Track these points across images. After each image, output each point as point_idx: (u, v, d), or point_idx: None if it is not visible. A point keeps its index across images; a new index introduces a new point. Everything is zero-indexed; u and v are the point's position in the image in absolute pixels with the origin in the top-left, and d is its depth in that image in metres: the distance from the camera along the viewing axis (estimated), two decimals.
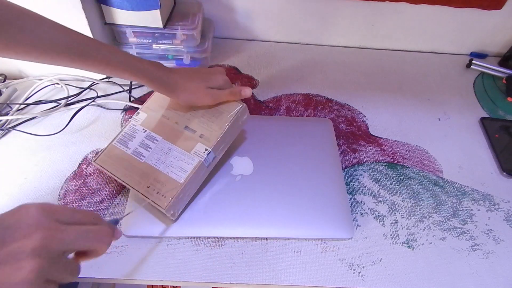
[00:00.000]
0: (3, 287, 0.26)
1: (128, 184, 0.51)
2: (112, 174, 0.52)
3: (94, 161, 0.54)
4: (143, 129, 0.55)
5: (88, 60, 0.46)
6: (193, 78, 0.53)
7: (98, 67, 0.47)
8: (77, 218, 0.31)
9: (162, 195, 0.48)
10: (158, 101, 0.58)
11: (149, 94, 0.73)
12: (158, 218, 0.53)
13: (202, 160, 0.51)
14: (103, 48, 0.46)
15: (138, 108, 0.69)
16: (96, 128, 0.66)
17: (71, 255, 0.33)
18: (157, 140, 0.54)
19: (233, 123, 0.54)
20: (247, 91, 0.55)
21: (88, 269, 0.49)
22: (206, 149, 0.52)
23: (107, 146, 0.55)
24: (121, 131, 0.56)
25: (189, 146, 0.52)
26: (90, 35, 0.66)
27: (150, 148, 0.53)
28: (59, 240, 0.28)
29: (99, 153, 0.54)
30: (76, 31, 0.45)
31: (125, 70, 0.48)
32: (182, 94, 0.52)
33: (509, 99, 0.79)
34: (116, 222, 0.41)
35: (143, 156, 0.53)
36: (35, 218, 0.28)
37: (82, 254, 0.33)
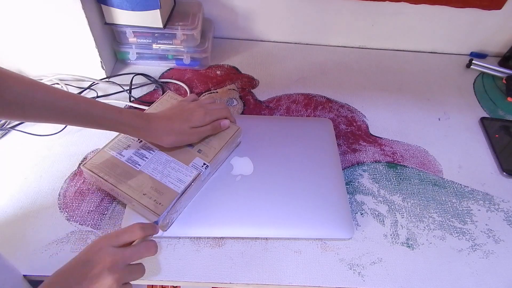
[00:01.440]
0: None
1: (121, 190, 0.50)
2: (104, 180, 0.51)
3: (83, 165, 0.52)
4: (138, 139, 0.55)
5: (66, 114, 0.45)
6: (175, 120, 0.53)
7: (75, 121, 0.46)
8: (125, 238, 0.42)
9: (159, 203, 0.48)
10: None
11: (149, 94, 0.74)
12: None
13: (200, 173, 0.52)
14: (82, 102, 0.46)
15: (138, 108, 0.69)
16: None
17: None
18: (153, 151, 0.54)
19: (230, 143, 0.57)
20: (225, 123, 0.58)
21: None
22: (204, 163, 0.53)
23: (98, 151, 0.54)
24: (114, 139, 0.55)
25: (187, 159, 0.54)
26: (90, 35, 0.66)
27: (146, 157, 0.53)
28: (121, 259, 0.40)
29: (89, 158, 0.53)
30: (53, 88, 0.44)
31: (105, 124, 0.48)
32: (166, 139, 0.52)
33: (509, 99, 0.79)
34: (156, 222, 0.45)
35: (139, 165, 0.52)
36: (102, 248, 0.40)
37: None
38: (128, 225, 0.43)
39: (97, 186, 0.58)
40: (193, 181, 0.51)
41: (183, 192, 0.50)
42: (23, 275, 0.48)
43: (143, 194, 0.49)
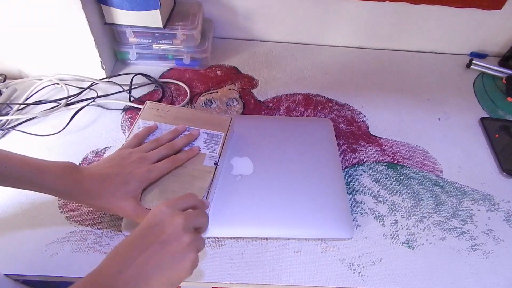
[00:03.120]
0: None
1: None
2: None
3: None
4: None
5: None
6: (111, 180, 0.47)
7: None
8: (186, 204, 0.42)
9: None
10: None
11: (149, 94, 0.74)
12: None
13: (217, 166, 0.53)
14: None
15: (138, 108, 0.69)
16: (96, 128, 0.66)
17: None
18: None
19: (229, 133, 0.58)
20: None
21: (88, 269, 0.49)
22: (215, 162, 0.54)
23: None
24: None
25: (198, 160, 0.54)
26: (90, 35, 0.66)
27: None
28: (189, 220, 0.39)
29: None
30: None
31: (21, 186, 0.43)
32: (97, 203, 0.46)
33: (509, 99, 0.79)
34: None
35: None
36: (168, 211, 0.39)
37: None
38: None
39: None
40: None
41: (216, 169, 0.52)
42: (22, 275, 0.48)
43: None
